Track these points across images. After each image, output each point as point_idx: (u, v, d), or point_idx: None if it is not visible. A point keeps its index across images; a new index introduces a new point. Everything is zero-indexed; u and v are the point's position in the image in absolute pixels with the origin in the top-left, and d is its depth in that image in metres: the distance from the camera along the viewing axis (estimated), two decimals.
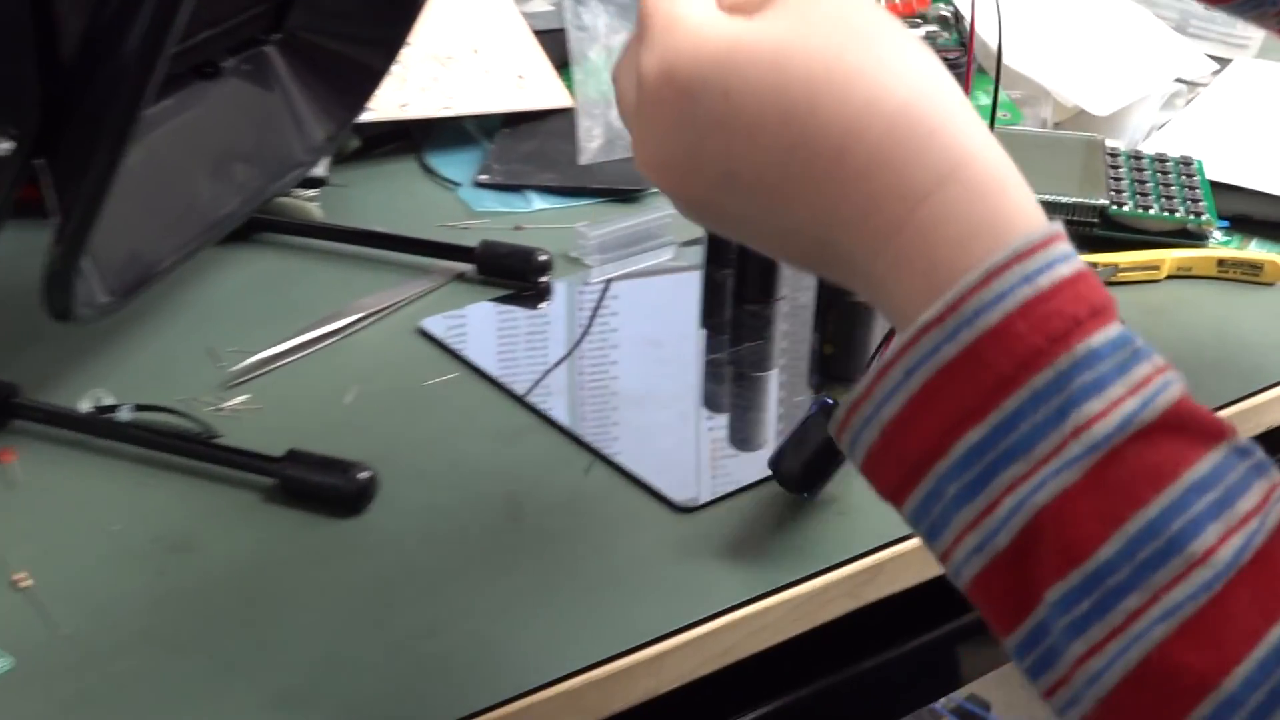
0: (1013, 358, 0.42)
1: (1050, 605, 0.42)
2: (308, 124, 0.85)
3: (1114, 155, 0.95)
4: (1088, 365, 0.42)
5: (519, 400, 0.76)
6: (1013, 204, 0.44)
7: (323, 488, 0.68)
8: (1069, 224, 0.91)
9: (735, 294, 0.85)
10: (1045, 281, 0.43)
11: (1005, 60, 1.04)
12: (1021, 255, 0.43)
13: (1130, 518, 0.42)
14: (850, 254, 0.46)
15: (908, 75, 0.45)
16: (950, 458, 0.44)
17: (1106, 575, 0.42)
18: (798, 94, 0.45)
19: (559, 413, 0.75)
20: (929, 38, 1.03)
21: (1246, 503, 0.42)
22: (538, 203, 0.96)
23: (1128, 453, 0.42)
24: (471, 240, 0.88)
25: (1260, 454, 0.43)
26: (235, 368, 0.77)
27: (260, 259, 0.88)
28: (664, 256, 0.91)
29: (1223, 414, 0.76)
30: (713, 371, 0.82)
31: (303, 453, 0.69)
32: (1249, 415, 0.78)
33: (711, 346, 0.84)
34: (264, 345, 0.79)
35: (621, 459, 0.71)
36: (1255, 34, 1.22)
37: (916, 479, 0.45)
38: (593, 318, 0.85)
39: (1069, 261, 0.43)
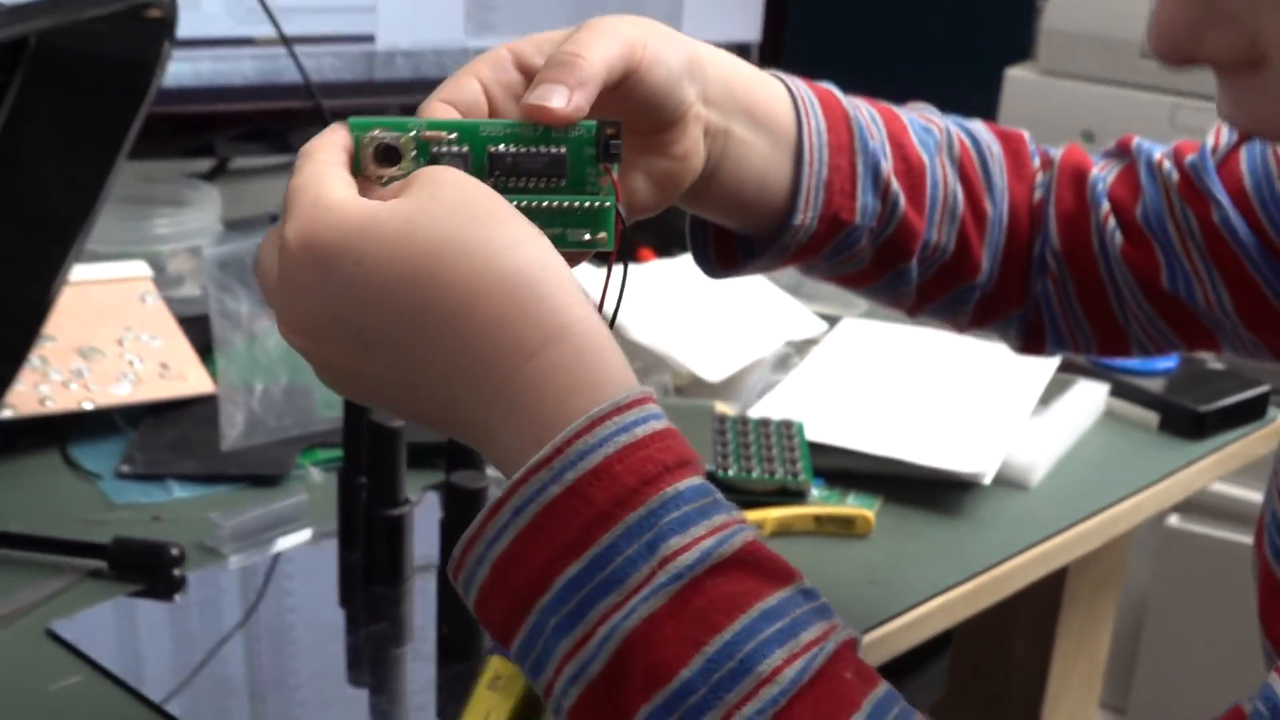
0: (610, 495, 0.49)
1: None
2: None
3: (722, 421, 1.01)
4: (674, 506, 0.49)
5: (145, 699, 0.76)
6: (610, 365, 0.51)
7: None
8: None
9: (365, 576, 0.87)
10: (641, 432, 0.50)
11: (626, 333, 1.11)
12: (620, 409, 0.50)
13: (709, 641, 0.48)
14: (470, 407, 0.52)
15: (521, 249, 0.52)
16: (551, 592, 0.49)
17: (687, 695, 0.47)
18: (422, 261, 0.51)
19: (187, 709, 0.75)
20: None
21: (810, 634, 0.49)
22: (178, 491, 0.97)
23: (707, 583, 0.48)
24: (109, 534, 0.88)
25: (823, 600, 0.51)
26: None
27: None
28: (302, 538, 0.93)
29: None
30: (349, 652, 0.84)
31: None
32: None
33: (348, 628, 0.86)
34: None
35: None
36: None
37: (522, 615, 0.50)
38: (254, 606, 0.86)
39: (660, 419, 0.51)
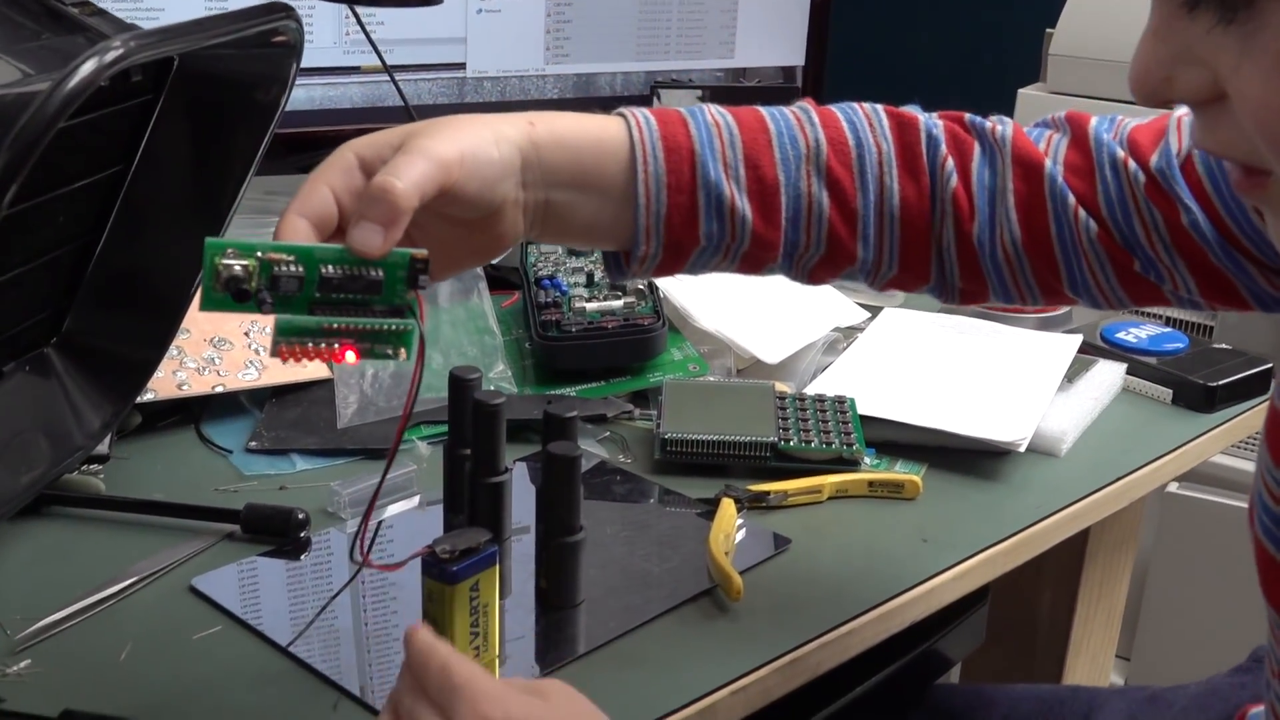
0: None
1: None
2: (85, 413, 0.83)
3: (782, 398, 0.98)
4: None
5: (277, 646, 0.74)
6: None
7: None
8: (747, 458, 0.93)
9: None
10: None
11: (693, 320, 1.09)
12: None
13: None
14: None
15: None
16: None
17: None
18: None
19: (313, 656, 0.74)
20: (627, 307, 1.06)
21: None
22: (301, 464, 0.95)
23: None
24: (241, 501, 0.86)
25: None
26: (19, 635, 0.74)
27: (48, 531, 0.85)
28: (410, 505, 0.91)
29: (864, 619, 0.78)
30: None
31: (77, 712, 0.66)
32: (890, 617, 0.80)
33: None
34: (48, 612, 0.76)
35: (368, 695, 0.70)
36: None
37: None
38: (358, 567, 0.84)
39: None
